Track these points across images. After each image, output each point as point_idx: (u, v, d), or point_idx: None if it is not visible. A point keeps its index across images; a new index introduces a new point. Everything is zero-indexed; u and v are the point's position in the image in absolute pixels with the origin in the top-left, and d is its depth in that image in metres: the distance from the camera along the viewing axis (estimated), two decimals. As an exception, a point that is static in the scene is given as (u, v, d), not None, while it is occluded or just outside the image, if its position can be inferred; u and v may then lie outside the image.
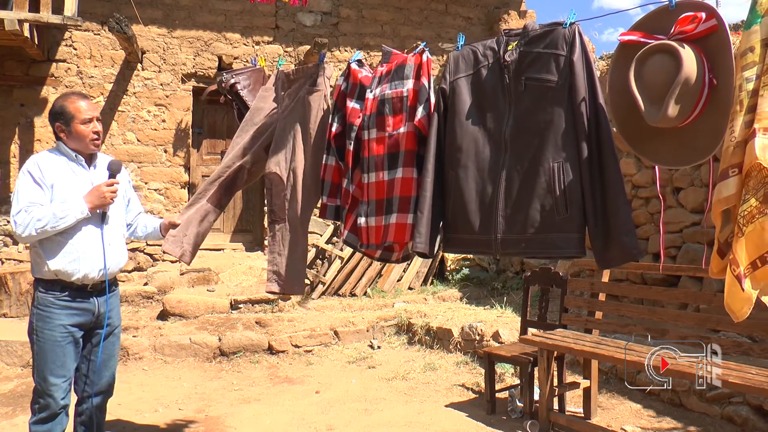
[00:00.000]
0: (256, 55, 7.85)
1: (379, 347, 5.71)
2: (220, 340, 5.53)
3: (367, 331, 5.97)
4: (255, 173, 3.17)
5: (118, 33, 6.59)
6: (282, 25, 8.16)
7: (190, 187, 7.91)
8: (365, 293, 7.23)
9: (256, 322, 5.91)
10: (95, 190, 2.59)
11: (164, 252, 3.46)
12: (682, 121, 1.97)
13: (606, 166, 2.14)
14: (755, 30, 1.78)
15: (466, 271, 7.89)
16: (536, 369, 3.79)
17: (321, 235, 7.57)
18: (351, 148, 2.74)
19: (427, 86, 2.56)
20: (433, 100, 2.55)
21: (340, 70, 7.49)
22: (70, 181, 2.60)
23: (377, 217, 2.65)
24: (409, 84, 2.59)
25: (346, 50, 8.27)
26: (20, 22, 6.21)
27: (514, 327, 5.02)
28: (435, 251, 2.60)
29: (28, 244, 2.72)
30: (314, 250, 7.41)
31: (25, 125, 7.30)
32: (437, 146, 2.50)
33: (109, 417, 3.03)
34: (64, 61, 7.46)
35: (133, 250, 7.46)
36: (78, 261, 2.56)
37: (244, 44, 8.03)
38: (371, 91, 2.71)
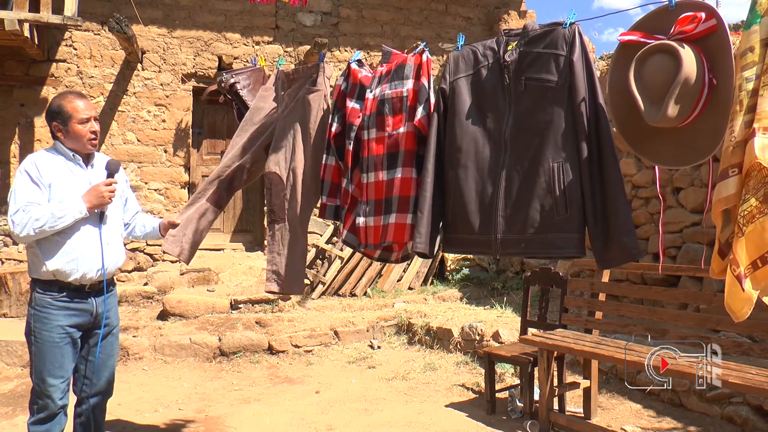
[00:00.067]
0: (256, 55, 7.85)
1: (379, 347, 5.71)
2: (220, 340, 5.53)
3: (367, 331, 5.97)
4: (255, 173, 3.17)
5: (118, 33, 6.59)
6: (282, 25, 8.16)
7: (190, 187, 7.91)
8: (365, 293, 7.23)
9: (256, 322, 5.91)
10: (94, 190, 2.57)
11: (164, 252, 3.46)
12: (682, 121, 1.97)
13: (606, 166, 2.14)
14: (755, 30, 1.78)
15: (466, 271, 7.89)
16: (536, 369, 3.79)
17: (321, 235, 7.58)
18: (351, 148, 2.74)
19: (426, 86, 2.56)
20: (432, 100, 2.55)
21: (340, 70, 7.49)
22: (67, 180, 2.58)
23: (376, 217, 2.65)
24: (409, 84, 2.59)
25: (346, 50, 8.27)
26: (20, 22, 6.21)
27: (514, 327, 5.02)
28: (435, 251, 2.59)
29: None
30: (314, 250, 7.41)
31: (25, 125, 7.30)
32: (437, 146, 2.50)
33: (109, 417, 3.03)
34: (64, 61, 7.46)
35: (133, 250, 7.46)
36: (76, 261, 2.54)
37: (244, 44, 8.03)
38: (371, 91, 2.71)
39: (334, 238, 7.52)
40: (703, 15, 1.94)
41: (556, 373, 3.79)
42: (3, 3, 6.34)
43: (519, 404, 4.03)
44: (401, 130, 2.58)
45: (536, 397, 3.80)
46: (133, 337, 5.52)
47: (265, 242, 3.93)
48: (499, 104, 2.37)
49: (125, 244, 2.91)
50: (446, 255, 7.99)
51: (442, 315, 5.99)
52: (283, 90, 3.09)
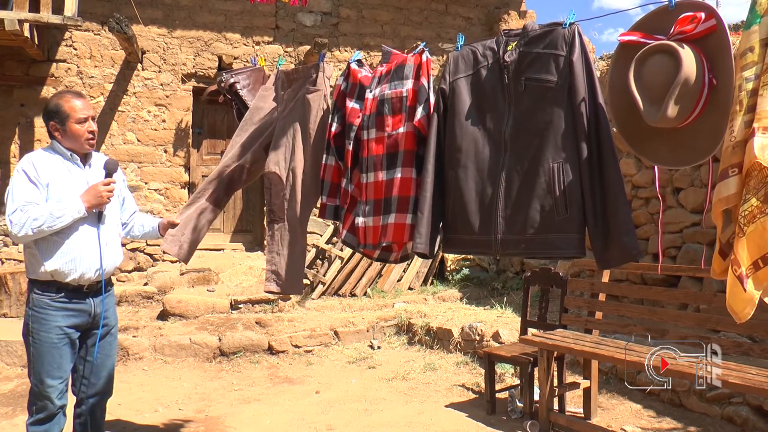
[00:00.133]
0: (256, 55, 7.85)
1: (379, 347, 5.71)
2: (220, 340, 5.53)
3: (367, 331, 5.97)
4: (254, 172, 3.17)
5: (118, 33, 6.59)
6: (282, 26, 8.16)
7: (190, 187, 7.90)
8: (365, 293, 7.23)
9: (256, 322, 5.90)
10: (92, 189, 2.56)
11: (164, 252, 3.45)
12: (682, 122, 1.97)
13: (606, 166, 2.14)
14: (755, 30, 1.77)
15: (466, 271, 7.89)
16: (536, 369, 3.79)
17: (321, 235, 7.58)
18: (350, 148, 2.74)
19: (426, 86, 2.55)
20: (432, 100, 2.54)
21: (340, 70, 7.49)
22: (65, 180, 2.57)
23: (375, 217, 2.65)
24: (409, 84, 2.59)
25: (346, 50, 8.27)
26: (20, 22, 6.21)
27: (514, 327, 5.02)
28: (435, 251, 2.59)
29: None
30: (314, 250, 7.42)
31: (25, 125, 7.30)
32: (437, 146, 2.50)
33: (109, 417, 3.03)
34: (64, 61, 7.46)
35: (133, 250, 7.46)
36: (74, 261, 2.53)
37: (245, 44, 8.03)
38: (371, 91, 2.71)
39: (334, 238, 7.52)
40: (702, 15, 1.94)
41: (556, 373, 3.79)
42: (3, 3, 6.35)
43: (519, 404, 4.03)
44: (401, 130, 2.58)
45: (536, 397, 3.80)
46: (133, 337, 5.52)
47: (265, 242, 3.94)
48: (498, 104, 2.37)
49: (125, 245, 2.91)
50: (446, 255, 7.99)
51: (442, 315, 5.99)
52: (283, 90, 3.09)
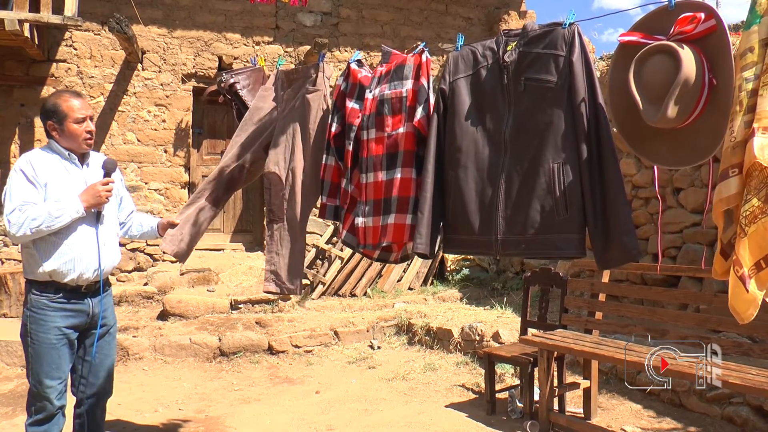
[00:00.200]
0: (257, 55, 7.85)
1: (379, 347, 5.71)
2: (220, 340, 5.53)
3: (367, 331, 5.97)
4: (254, 172, 3.17)
5: (118, 33, 6.59)
6: (282, 26, 8.16)
7: (191, 187, 7.90)
8: (365, 293, 7.23)
9: (256, 323, 5.90)
10: (90, 189, 2.54)
11: (164, 252, 3.45)
12: (682, 122, 1.96)
13: (606, 166, 2.14)
14: (754, 30, 1.77)
15: (466, 271, 7.89)
16: (536, 369, 3.79)
17: (321, 236, 7.57)
18: (350, 148, 2.74)
19: (426, 87, 2.55)
20: (432, 100, 2.54)
21: (340, 70, 7.49)
22: (63, 179, 2.55)
23: (375, 218, 2.65)
24: (409, 84, 2.59)
25: (346, 50, 8.27)
26: (20, 22, 6.21)
27: (514, 327, 5.02)
28: (435, 252, 2.59)
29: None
30: (314, 250, 7.42)
31: (25, 125, 7.30)
32: (437, 147, 2.50)
33: (109, 417, 3.03)
34: (64, 61, 7.46)
35: (133, 250, 7.46)
36: (73, 261, 2.52)
37: (245, 44, 8.03)
38: (370, 92, 2.71)
39: (334, 238, 7.51)
40: (702, 15, 1.93)
41: (556, 373, 3.79)
42: (3, 3, 6.34)
43: (519, 404, 4.03)
44: (400, 130, 2.58)
45: (536, 397, 3.80)
46: (133, 337, 5.52)
47: (264, 242, 3.94)
48: (498, 105, 2.37)
49: (124, 245, 2.91)
50: (446, 255, 7.99)
51: (442, 315, 5.99)
52: (283, 90, 3.09)
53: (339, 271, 7.26)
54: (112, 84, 7.59)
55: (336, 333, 5.85)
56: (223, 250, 8.01)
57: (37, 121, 7.24)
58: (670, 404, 3.95)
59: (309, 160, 2.95)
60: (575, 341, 3.63)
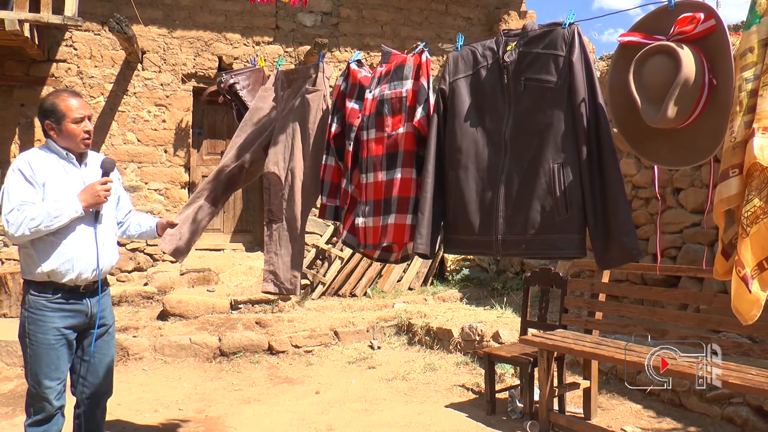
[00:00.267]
0: (257, 55, 7.85)
1: (379, 347, 5.71)
2: (220, 340, 5.53)
3: (367, 331, 5.97)
4: (253, 173, 3.17)
5: (118, 33, 6.59)
6: (282, 26, 8.16)
7: (191, 187, 7.90)
8: (365, 293, 7.22)
9: (256, 323, 5.90)
10: (89, 189, 2.53)
11: (163, 252, 3.45)
12: (682, 122, 1.96)
13: (606, 166, 2.13)
14: (754, 30, 1.77)
15: (466, 271, 7.89)
16: (536, 369, 3.79)
17: (321, 236, 7.57)
18: (350, 148, 2.74)
19: (426, 87, 2.55)
20: (432, 100, 2.54)
21: (339, 70, 7.49)
22: (61, 179, 2.54)
23: (375, 218, 2.65)
24: (408, 84, 2.59)
25: (346, 50, 8.27)
26: (20, 22, 6.21)
27: (514, 327, 5.02)
28: (435, 252, 2.59)
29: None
30: (314, 250, 7.42)
31: (25, 125, 7.30)
32: (437, 147, 2.50)
33: (109, 417, 3.03)
34: (64, 61, 7.46)
35: (133, 250, 7.46)
36: (72, 261, 2.51)
37: (245, 44, 8.03)
38: (370, 92, 2.71)
39: (334, 238, 7.51)
40: (702, 15, 1.93)
41: (556, 373, 3.79)
42: (3, 3, 6.34)
43: (519, 405, 4.03)
44: (400, 130, 2.58)
45: (536, 397, 3.80)
46: (133, 337, 5.52)
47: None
48: (498, 105, 2.37)
49: (124, 245, 2.90)
50: (446, 255, 7.99)
51: (442, 315, 5.99)
52: (283, 90, 3.09)
53: (339, 271, 7.26)
54: (112, 84, 7.59)
55: (336, 333, 5.85)
56: (223, 250, 8.01)
57: (38, 121, 7.22)
58: (670, 404, 3.95)
59: (308, 161, 2.94)
60: (575, 341, 3.63)
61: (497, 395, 4.11)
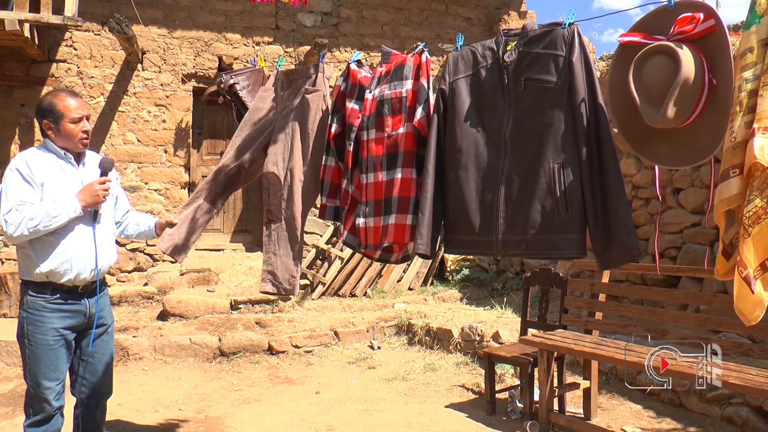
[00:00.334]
0: (257, 55, 7.85)
1: (379, 348, 5.71)
2: (220, 340, 5.53)
3: (367, 331, 5.97)
4: (253, 173, 3.17)
5: (118, 33, 6.59)
6: (282, 26, 8.16)
7: (191, 187, 7.90)
8: (365, 294, 7.22)
9: (256, 323, 5.90)
10: (88, 188, 2.52)
11: (163, 252, 3.45)
12: (682, 122, 1.96)
13: (606, 166, 2.13)
14: (754, 30, 1.77)
15: (466, 271, 7.89)
16: (536, 370, 3.79)
17: (321, 236, 7.57)
18: (350, 148, 2.74)
19: (426, 87, 2.55)
20: (432, 100, 2.54)
21: (339, 70, 7.49)
22: (59, 179, 2.53)
23: (375, 218, 2.65)
24: (408, 84, 2.59)
25: (346, 51, 8.27)
26: (20, 22, 6.21)
27: (514, 327, 5.02)
28: (436, 252, 2.59)
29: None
30: (314, 250, 7.42)
31: (25, 125, 7.29)
32: (437, 147, 2.50)
33: (109, 417, 3.03)
34: (64, 61, 7.46)
35: (133, 250, 7.46)
36: (70, 261, 2.50)
37: (245, 45, 8.03)
38: (370, 92, 2.71)
39: (334, 239, 7.51)
40: (701, 15, 1.93)
41: (556, 373, 3.79)
42: (3, 3, 6.34)
43: (519, 405, 4.03)
44: (400, 130, 2.58)
45: (536, 397, 3.80)
46: (133, 337, 5.52)
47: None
48: (498, 105, 2.37)
49: (124, 245, 2.90)
50: (446, 255, 7.99)
51: (442, 315, 5.98)
52: (283, 90, 3.09)
53: (339, 272, 7.26)
54: (112, 84, 7.59)
55: (336, 333, 5.84)
56: (223, 250, 8.01)
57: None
58: (670, 404, 3.95)
59: (308, 161, 2.94)
60: (575, 341, 3.63)
61: (497, 395, 4.11)
